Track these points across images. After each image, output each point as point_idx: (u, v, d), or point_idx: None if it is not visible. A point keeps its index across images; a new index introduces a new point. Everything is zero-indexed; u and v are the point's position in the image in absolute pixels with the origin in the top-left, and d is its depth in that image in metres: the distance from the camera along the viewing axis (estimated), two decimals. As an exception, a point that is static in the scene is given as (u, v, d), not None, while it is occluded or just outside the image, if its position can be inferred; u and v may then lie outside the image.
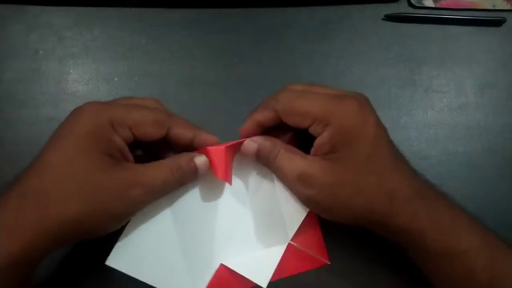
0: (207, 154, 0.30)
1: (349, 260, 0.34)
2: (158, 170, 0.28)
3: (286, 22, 0.42)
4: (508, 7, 0.43)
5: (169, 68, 0.40)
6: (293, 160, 0.29)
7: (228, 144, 0.30)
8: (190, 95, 0.39)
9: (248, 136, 0.31)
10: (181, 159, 0.29)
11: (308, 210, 0.31)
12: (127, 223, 0.28)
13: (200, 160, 0.29)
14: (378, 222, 0.28)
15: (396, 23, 0.43)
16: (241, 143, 0.31)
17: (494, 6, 0.43)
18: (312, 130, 0.28)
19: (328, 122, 0.27)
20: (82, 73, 0.39)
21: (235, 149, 0.31)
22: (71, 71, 0.40)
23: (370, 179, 0.27)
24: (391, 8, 0.43)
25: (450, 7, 0.43)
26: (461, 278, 0.27)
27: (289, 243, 0.32)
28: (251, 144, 0.30)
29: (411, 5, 0.43)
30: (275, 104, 0.29)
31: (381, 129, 0.28)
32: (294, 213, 0.32)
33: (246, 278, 0.31)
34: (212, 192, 0.32)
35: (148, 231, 0.29)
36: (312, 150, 0.29)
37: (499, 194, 0.37)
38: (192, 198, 0.31)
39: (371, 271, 0.34)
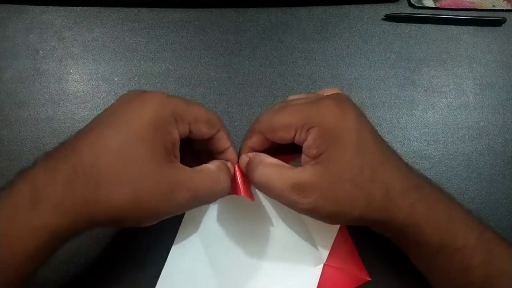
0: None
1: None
2: (206, 176, 0.27)
3: (286, 22, 0.42)
4: (508, 7, 0.43)
5: (169, 68, 0.40)
6: (282, 172, 0.28)
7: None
8: (190, 95, 0.39)
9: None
10: (226, 167, 0.29)
11: (339, 225, 0.31)
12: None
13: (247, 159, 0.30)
14: (378, 218, 0.27)
15: (396, 23, 0.43)
16: None
17: (494, 6, 0.43)
18: (297, 140, 0.28)
19: (309, 127, 0.27)
20: (82, 73, 0.39)
21: None
22: (71, 71, 0.40)
23: (364, 174, 0.27)
24: (391, 8, 0.43)
25: (450, 7, 0.43)
26: (457, 274, 0.27)
27: (324, 265, 0.31)
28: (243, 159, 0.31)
29: (411, 5, 0.43)
30: (258, 127, 0.30)
31: (364, 123, 0.28)
32: (324, 232, 0.31)
33: None
34: (236, 217, 0.32)
35: (182, 267, 0.30)
36: (302, 160, 0.29)
37: (499, 194, 0.37)
38: (217, 226, 0.32)
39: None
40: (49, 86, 0.39)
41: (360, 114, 0.28)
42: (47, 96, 0.39)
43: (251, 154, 0.30)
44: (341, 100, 0.28)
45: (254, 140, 0.30)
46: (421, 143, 0.38)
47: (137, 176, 0.24)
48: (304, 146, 0.28)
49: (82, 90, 0.39)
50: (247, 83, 0.39)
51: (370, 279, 0.32)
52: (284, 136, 0.29)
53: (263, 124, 0.29)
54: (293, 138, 0.28)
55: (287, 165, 0.28)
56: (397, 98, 0.40)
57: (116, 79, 0.39)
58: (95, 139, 0.25)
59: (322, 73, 0.40)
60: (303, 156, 0.29)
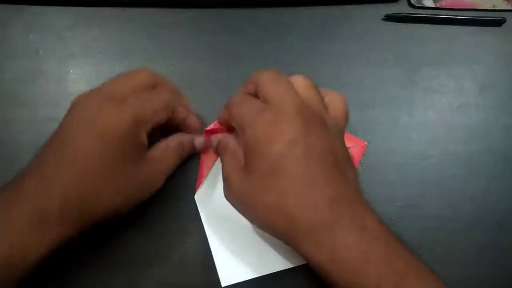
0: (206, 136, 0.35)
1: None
2: (169, 156, 0.32)
3: (286, 22, 0.42)
4: (508, 7, 0.43)
5: (169, 68, 0.40)
6: (230, 160, 0.30)
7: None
8: (190, 95, 0.39)
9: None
10: (184, 139, 0.33)
11: None
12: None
13: (198, 140, 0.34)
14: (286, 243, 0.27)
15: (396, 23, 0.43)
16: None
17: (494, 6, 0.43)
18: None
19: (243, 131, 0.28)
20: (82, 73, 0.39)
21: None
22: (71, 71, 0.40)
23: (269, 199, 0.26)
24: (391, 8, 0.43)
25: (450, 7, 0.43)
26: None
27: None
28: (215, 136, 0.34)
29: (411, 5, 0.43)
30: (227, 106, 0.32)
31: (296, 148, 0.26)
32: None
33: None
34: None
35: (225, 238, 0.33)
36: None
37: (499, 194, 0.37)
38: None
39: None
40: (49, 86, 0.39)
41: (298, 138, 0.26)
42: (47, 96, 0.38)
43: (220, 136, 0.34)
44: (284, 119, 0.27)
45: (222, 115, 0.34)
46: (421, 143, 0.38)
47: (122, 184, 0.28)
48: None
49: (82, 90, 0.38)
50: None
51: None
52: (235, 127, 0.31)
53: (228, 108, 0.32)
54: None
55: (239, 157, 0.30)
56: (397, 98, 0.40)
57: (116, 79, 0.39)
58: (72, 153, 0.27)
59: (322, 73, 0.40)
60: None
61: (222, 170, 0.31)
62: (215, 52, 0.40)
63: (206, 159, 0.35)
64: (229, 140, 0.32)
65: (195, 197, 0.34)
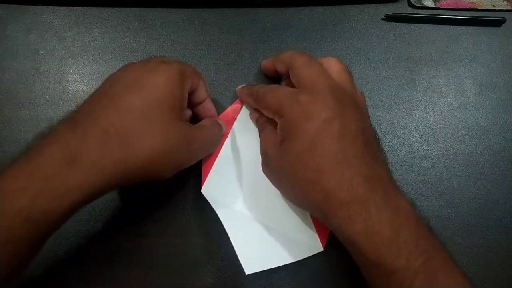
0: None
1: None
2: (207, 131, 0.33)
3: (286, 22, 0.42)
4: (508, 7, 0.43)
5: (169, 68, 0.40)
6: (269, 135, 0.32)
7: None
8: (190, 95, 0.39)
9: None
10: (216, 121, 0.34)
11: None
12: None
13: (222, 123, 0.35)
14: (319, 216, 0.29)
15: (396, 23, 0.43)
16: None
17: (494, 6, 0.43)
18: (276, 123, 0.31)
19: (281, 115, 0.30)
20: (82, 73, 0.39)
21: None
22: (71, 71, 0.40)
23: (306, 174, 0.28)
24: (391, 8, 0.43)
25: (450, 7, 0.43)
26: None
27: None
28: (253, 114, 0.36)
29: (411, 5, 0.43)
30: (254, 93, 0.34)
31: (331, 126, 0.28)
32: None
33: None
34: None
35: (242, 228, 0.33)
36: None
37: (499, 194, 0.37)
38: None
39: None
40: (49, 86, 0.39)
41: (332, 117, 0.28)
42: (47, 96, 0.39)
43: (259, 113, 0.35)
44: (320, 98, 0.29)
45: (246, 100, 0.36)
46: (421, 143, 0.38)
47: (161, 132, 0.28)
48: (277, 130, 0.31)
49: (82, 90, 0.39)
50: (247, 83, 0.39)
51: (323, 249, 0.33)
52: (268, 114, 0.32)
53: (256, 96, 0.33)
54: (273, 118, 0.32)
55: (275, 134, 0.32)
56: (397, 98, 0.40)
57: (116, 79, 0.39)
58: (120, 104, 0.27)
59: (322, 73, 0.40)
60: None
61: (261, 144, 0.34)
62: (215, 52, 0.40)
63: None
64: (267, 118, 0.33)
65: (202, 191, 0.34)
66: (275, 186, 0.32)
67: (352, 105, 0.30)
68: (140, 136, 0.27)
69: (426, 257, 0.25)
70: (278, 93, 0.31)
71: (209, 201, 0.34)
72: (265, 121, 0.34)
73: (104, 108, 0.27)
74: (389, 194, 0.27)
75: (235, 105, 0.37)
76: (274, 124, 0.32)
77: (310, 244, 0.33)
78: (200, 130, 0.32)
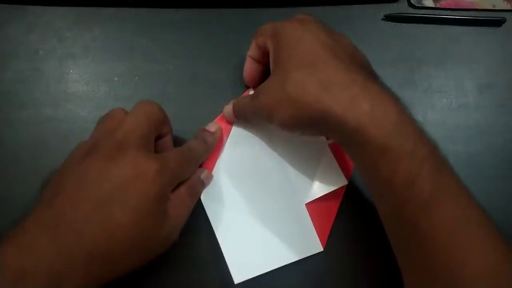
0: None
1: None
2: (183, 207, 0.31)
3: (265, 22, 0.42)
4: (508, 7, 0.43)
5: (169, 68, 0.40)
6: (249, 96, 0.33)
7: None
8: (190, 95, 0.39)
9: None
10: (192, 180, 0.32)
11: (343, 184, 0.34)
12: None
13: (204, 174, 0.33)
14: (315, 114, 0.27)
15: (396, 23, 0.43)
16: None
17: (494, 6, 0.43)
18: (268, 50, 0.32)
19: (274, 37, 0.31)
20: (82, 73, 0.39)
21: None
22: (71, 71, 0.40)
23: (299, 73, 0.28)
24: (391, 8, 0.43)
25: (450, 7, 0.43)
26: (402, 183, 0.24)
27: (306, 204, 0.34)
28: (227, 107, 0.36)
29: (411, 5, 0.43)
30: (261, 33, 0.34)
31: (321, 36, 0.29)
32: (323, 185, 0.34)
33: None
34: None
35: (233, 236, 0.33)
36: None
37: (499, 194, 0.37)
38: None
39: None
40: (49, 86, 0.39)
41: (321, 31, 0.30)
42: (47, 96, 0.39)
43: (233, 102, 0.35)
44: (307, 23, 0.31)
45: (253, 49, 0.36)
46: (421, 143, 0.38)
47: (147, 243, 0.27)
48: (270, 56, 0.32)
49: (82, 90, 0.39)
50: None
51: (323, 249, 0.34)
52: (260, 41, 0.34)
53: (262, 32, 0.34)
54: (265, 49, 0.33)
55: (258, 66, 0.35)
56: (397, 98, 0.40)
57: (116, 79, 0.39)
58: (106, 218, 0.26)
59: (322, 73, 0.40)
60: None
61: (242, 103, 0.34)
62: (215, 52, 0.40)
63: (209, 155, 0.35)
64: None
65: (201, 197, 0.34)
66: (269, 110, 0.30)
67: (338, 33, 0.31)
68: (125, 257, 0.26)
69: (431, 148, 0.25)
70: (273, 23, 0.33)
71: (206, 208, 0.34)
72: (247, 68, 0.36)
73: (90, 223, 0.25)
74: (386, 86, 0.27)
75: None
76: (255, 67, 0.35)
77: (310, 244, 0.33)
78: (179, 209, 0.30)
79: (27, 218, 0.25)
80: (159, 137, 0.32)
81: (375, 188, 0.27)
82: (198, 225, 0.34)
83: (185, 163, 0.31)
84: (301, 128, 0.29)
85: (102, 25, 0.41)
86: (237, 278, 0.32)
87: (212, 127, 0.35)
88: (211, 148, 0.34)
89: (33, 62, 0.39)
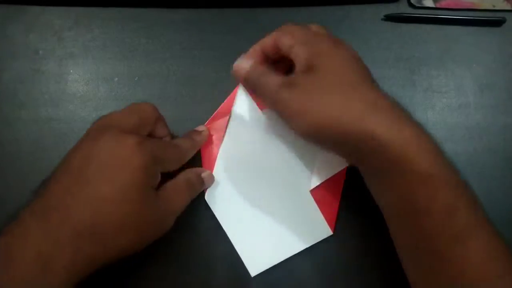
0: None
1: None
2: (179, 195, 0.31)
3: (286, 22, 0.42)
4: (508, 7, 0.43)
5: (169, 68, 0.40)
6: (277, 76, 0.30)
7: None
8: (190, 95, 0.39)
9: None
10: (192, 175, 0.33)
11: (344, 166, 0.34)
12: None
13: (205, 174, 0.34)
14: (351, 134, 0.25)
15: (396, 23, 0.42)
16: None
17: (494, 6, 0.43)
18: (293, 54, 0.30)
19: (309, 48, 0.29)
20: (82, 73, 0.39)
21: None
22: (71, 71, 0.40)
23: (346, 87, 0.28)
24: (391, 8, 0.43)
25: (450, 7, 0.43)
26: (439, 215, 0.24)
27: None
28: (242, 64, 0.32)
29: (411, 5, 0.43)
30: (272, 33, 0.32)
31: (352, 56, 0.30)
32: (326, 168, 0.34)
33: None
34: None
35: (243, 231, 0.34)
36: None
37: (499, 194, 0.37)
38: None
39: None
40: (49, 86, 0.39)
41: (349, 50, 0.31)
42: (47, 96, 0.39)
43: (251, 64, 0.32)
44: (337, 42, 0.31)
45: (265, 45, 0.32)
46: (421, 143, 0.38)
47: (136, 220, 0.27)
48: (296, 62, 0.30)
49: (82, 90, 0.39)
50: (247, 83, 0.39)
51: (332, 233, 0.34)
52: (286, 42, 0.30)
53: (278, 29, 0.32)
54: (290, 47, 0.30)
55: (278, 76, 0.30)
56: (397, 98, 0.39)
57: (116, 79, 0.39)
58: (91, 194, 0.26)
59: (322, 73, 0.40)
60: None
61: (268, 84, 0.30)
62: (215, 52, 0.40)
63: (207, 156, 0.36)
64: (262, 67, 0.31)
65: (205, 197, 0.34)
66: (296, 110, 0.28)
67: (345, 44, 0.32)
68: (115, 229, 0.26)
69: (457, 172, 0.26)
70: (296, 28, 0.31)
71: (210, 205, 0.34)
72: (262, 68, 0.31)
73: (75, 201, 0.26)
74: (387, 99, 0.28)
75: (227, 106, 0.37)
76: (272, 71, 0.31)
77: (319, 229, 0.34)
78: (174, 197, 0.30)
79: (23, 210, 0.26)
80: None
81: (401, 217, 0.26)
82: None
83: (168, 146, 0.31)
84: (326, 144, 0.29)
85: (102, 25, 0.41)
86: (253, 271, 0.32)
87: (200, 128, 0.35)
88: (198, 145, 0.34)
89: (33, 62, 0.39)
